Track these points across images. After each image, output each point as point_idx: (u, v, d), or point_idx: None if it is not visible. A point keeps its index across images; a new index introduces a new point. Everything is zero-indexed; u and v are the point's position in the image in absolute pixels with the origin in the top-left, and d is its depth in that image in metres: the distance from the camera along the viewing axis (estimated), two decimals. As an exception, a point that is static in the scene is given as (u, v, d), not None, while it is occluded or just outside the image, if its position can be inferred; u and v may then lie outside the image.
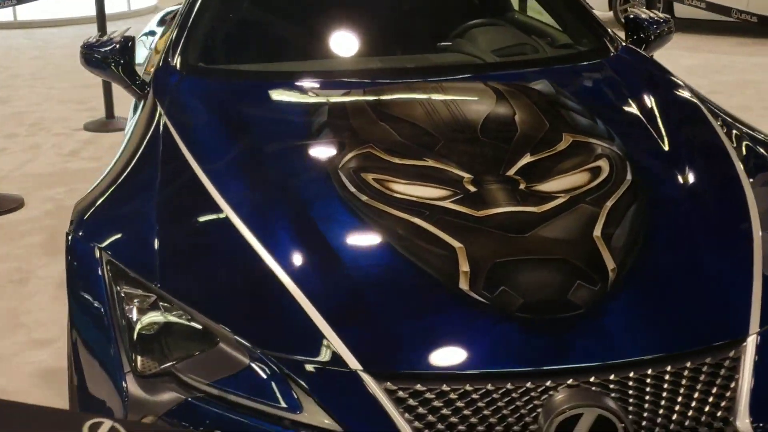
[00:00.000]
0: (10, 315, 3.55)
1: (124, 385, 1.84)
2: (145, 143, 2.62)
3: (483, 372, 1.76)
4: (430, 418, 1.70)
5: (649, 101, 2.82)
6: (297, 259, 2.01)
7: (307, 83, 2.94)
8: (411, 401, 1.71)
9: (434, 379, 1.74)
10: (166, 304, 1.94)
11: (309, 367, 1.79)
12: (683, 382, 1.77)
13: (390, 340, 1.82)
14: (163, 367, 1.85)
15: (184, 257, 2.11)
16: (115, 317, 1.94)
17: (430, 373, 1.76)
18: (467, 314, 1.86)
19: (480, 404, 1.71)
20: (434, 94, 2.79)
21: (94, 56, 3.20)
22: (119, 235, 2.19)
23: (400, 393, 1.72)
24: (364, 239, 2.10)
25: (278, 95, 2.90)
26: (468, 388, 1.72)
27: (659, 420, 1.73)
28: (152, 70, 3.29)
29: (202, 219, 2.23)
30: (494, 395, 1.72)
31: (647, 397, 1.74)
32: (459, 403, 1.71)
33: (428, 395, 1.72)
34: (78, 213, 2.29)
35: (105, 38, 3.28)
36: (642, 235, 2.09)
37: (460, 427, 1.69)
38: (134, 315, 1.94)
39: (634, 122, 2.68)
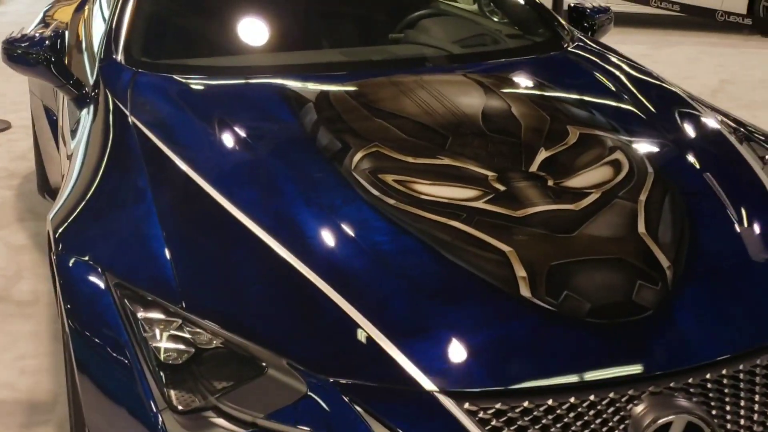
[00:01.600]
0: None
1: (160, 425, 1.63)
2: (113, 147, 2.37)
3: (564, 384, 1.65)
4: None
5: (629, 89, 2.79)
6: (339, 270, 1.83)
7: (278, 78, 2.72)
8: (495, 422, 1.59)
9: (515, 396, 1.62)
10: (195, 329, 1.72)
11: (377, 392, 1.63)
12: (757, 379, 1.73)
13: (462, 355, 1.67)
14: (206, 400, 1.64)
15: (207, 273, 1.86)
16: (137, 348, 1.71)
17: (510, 389, 1.64)
18: (536, 323, 1.74)
19: (566, 419, 1.61)
20: (418, 88, 2.64)
21: (20, 53, 2.87)
22: (123, 253, 1.94)
23: (482, 414, 1.59)
24: (405, 246, 1.92)
25: (255, 91, 2.68)
26: (551, 403, 1.62)
27: (741, 421, 1.69)
28: (85, 65, 2.99)
29: (217, 230, 1.98)
30: (579, 408, 1.63)
31: (727, 399, 1.70)
32: (544, 420, 1.60)
33: (511, 414, 1.60)
34: (62, 231, 2.04)
35: (29, 33, 2.95)
36: (685, 228, 2.03)
37: None
38: (160, 343, 1.71)
39: (623, 112, 2.64)
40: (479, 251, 1.86)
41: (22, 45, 2.90)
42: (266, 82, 2.71)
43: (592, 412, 1.62)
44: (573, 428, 1.60)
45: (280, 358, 1.66)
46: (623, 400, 1.63)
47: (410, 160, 2.19)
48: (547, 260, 1.84)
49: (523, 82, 2.82)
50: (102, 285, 1.83)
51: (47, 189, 4.39)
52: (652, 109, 2.64)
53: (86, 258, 1.92)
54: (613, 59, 3.05)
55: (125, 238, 1.99)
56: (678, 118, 2.63)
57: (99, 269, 1.86)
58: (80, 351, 1.81)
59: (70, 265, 1.92)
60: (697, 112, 2.69)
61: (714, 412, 1.66)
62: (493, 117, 2.46)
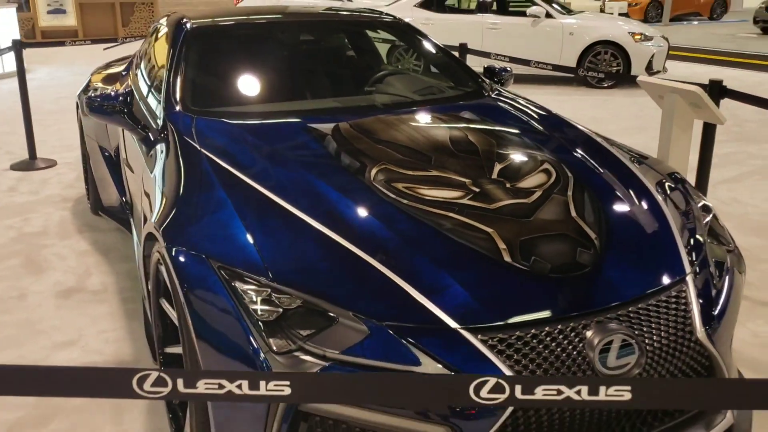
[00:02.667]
0: (26, 323, 3.18)
1: (264, 364, 1.77)
2: (190, 170, 2.46)
3: (543, 319, 1.86)
4: (516, 356, 1.78)
5: (537, 120, 3.03)
6: (380, 248, 2.00)
7: (298, 119, 2.88)
8: (499, 346, 1.78)
9: (510, 328, 1.83)
10: (281, 295, 1.86)
11: (417, 331, 1.80)
12: (660, 310, 1.97)
13: (472, 302, 1.86)
14: (296, 344, 1.78)
15: (284, 255, 1.98)
16: (242, 311, 1.84)
17: (507, 324, 1.83)
18: (517, 279, 1.95)
19: (545, 342, 1.82)
20: (400, 123, 2.83)
21: (101, 106, 2.95)
22: (219, 245, 2.03)
23: (490, 341, 1.78)
24: (421, 230, 2.09)
25: (285, 128, 2.82)
26: (534, 331, 1.83)
27: (654, 337, 1.92)
28: (146, 114, 3.08)
29: (285, 224, 2.10)
30: (552, 335, 1.84)
31: (642, 323, 1.92)
32: (532, 343, 1.81)
33: (510, 341, 1.80)
34: (169, 230, 2.13)
35: (107, 91, 3.04)
36: (600, 211, 2.26)
37: (538, 360, 1.78)
38: (257, 306, 1.85)
39: (539, 136, 2.87)
40: (471, 232, 2.06)
41: (100, 100, 2.98)
42: (291, 121, 2.86)
43: (561, 336, 1.84)
44: (550, 348, 1.82)
45: (346, 311, 1.82)
46: (579, 327, 1.86)
47: (410, 173, 2.38)
48: (517, 237, 2.05)
49: (470, 118, 3.04)
50: (209, 268, 1.94)
51: (101, 207, 4.42)
52: (556, 133, 2.90)
53: (191, 249, 2.02)
54: (521, 101, 3.31)
55: (218, 233, 2.08)
56: (574, 137, 2.89)
57: (204, 256, 1.98)
58: (197, 318, 1.90)
59: (181, 255, 2.01)
60: (583, 132, 2.96)
61: (637, 332, 1.89)
62: (457, 142, 2.68)
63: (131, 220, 3.73)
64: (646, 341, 1.90)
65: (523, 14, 9.63)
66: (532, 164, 2.52)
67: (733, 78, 9.65)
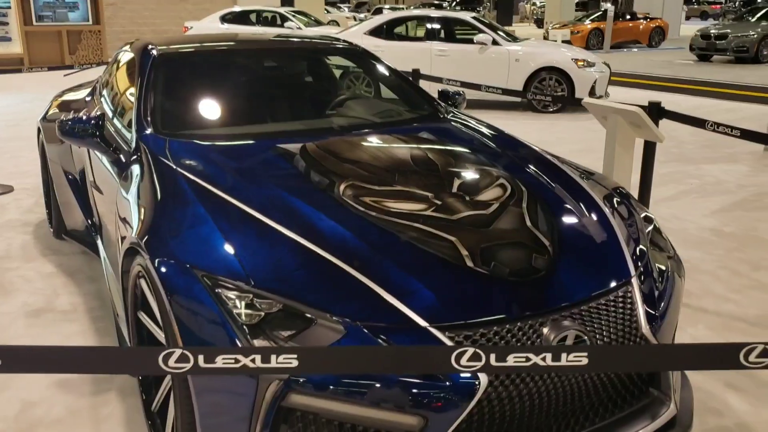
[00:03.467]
0: None
1: None
2: (167, 188, 2.57)
3: (503, 318, 2.04)
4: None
5: (493, 140, 3.25)
6: (353, 256, 2.15)
7: (269, 140, 3.03)
8: (466, 343, 1.95)
9: (474, 327, 2.00)
10: (262, 300, 1.99)
11: (389, 329, 1.96)
12: (608, 309, 2.18)
13: (440, 304, 2.04)
14: (279, 344, 1.91)
15: (263, 264, 2.12)
16: (227, 316, 1.96)
17: (471, 323, 2.01)
18: (479, 282, 2.13)
19: (507, 338, 2.01)
20: (362, 143, 3.02)
21: (73, 129, 3.08)
22: (202, 256, 2.15)
23: (457, 338, 1.97)
24: (391, 239, 2.25)
25: (255, 148, 2.96)
26: (497, 329, 2.01)
27: (604, 332, 2.12)
28: (115, 136, 3.20)
29: (263, 236, 2.24)
30: (512, 332, 2.02)
31: (593, 321, 2.13)
32: (495, 339, 2.00)
33: (475, 337, 1.98)
34: (152, 244, 2.25)
35: (79, 116, 3.15)
36: (552, 221, 2.47)
37: None
38: (240, 311, 1.98)
39: (493, 153, 3.08)
40: (436, 241, 2.25)
41: (71, 123, 3.10)
42: (259, 142, 3.02)
43: (520, 333, 2.03)
44: (511, 343, 1.99)
45: (324, 313, 1.97)
46: (537, 325, 2.04)
47: (375, 188, 2.56)
48: (477, 244, 2.25)
49: (428, 138, 3.25)
50: (193, 277, 2.07)
51: (64, 231, 4.47)
52: (509, 151, 3.12)
53: (175, 261, 2.14)
54: (474, 122, 3.54)
55: (200, 245, 2.21)
56: (526, 155, 3.12)
57: (188, 266, 2.10)
58: (183, 324, 2.01)
59: (165, 266, 2.13)
60: (534, 150, 3.20)
61: (588, 329, 2.09)
62: (418, 160, 2.88)
63: (98, 241, 3.82)
64: (597, 337, 2.11)
65: (471, 41, 9.99)
66: (489, 179, 2.73)
67: (671, 102, 10.16)
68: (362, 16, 32.44)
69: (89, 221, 4.00)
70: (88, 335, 3.35)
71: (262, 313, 1.97)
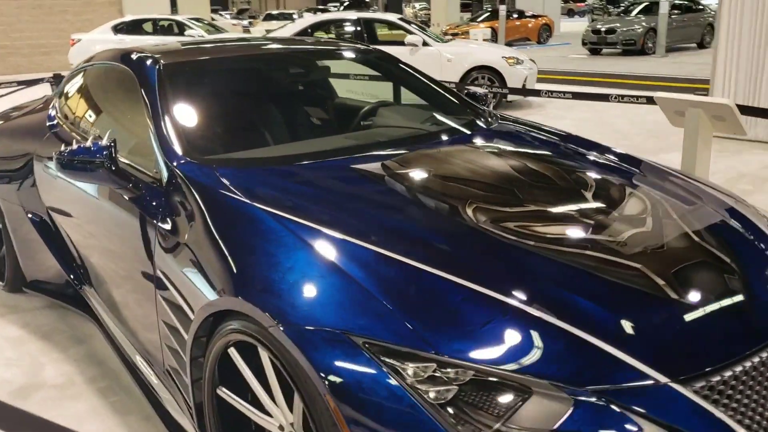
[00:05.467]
0: None
1: None
2: (256, 231, 1.98)
3: (739, 355, 1.65)
4: (731, 402, 1.57)
5: (575, 143, 2.86)
6: (538, 297, 1.69)
7: (331, 158, 2.48)
8: (713, 395, 1.57)
9: (716, 373, 1.60)
10: (447, 369, 1.51)
11: (627, 392, 1.52)
12: None
13: (671, 350, 1.63)
14: (496, 428, 1.45)
15: (433, 317, 1.62)
16: (415, 395, 1.48)
17: (712, 368, 1.60)
18: (696, 317, 1.73)
19: (749, 378, 1.62)
20: (448, 157, 2.55)
21: (82, 162, 2.42)
22: (351, 315, 1.63)
23: (703, 391, 1.56)
24: (569, 272, 1.80)
25: (332, 172, 2.39)
26: (737, 370, 1.62)
27: None
28: (135, 167, 2.55)
29: (415, 282, 1.74)
30: (757, 368, 1.64)
31: None
32: (738, 383, 1.60)
33: (719, 386, 1.59)
34: (267, 304, 1.70)
35: (81, 146, 2.47)
36: (713, 232, 2.13)
37: (753, 399, 1.60)
38: (426, 386, 1.49)
39: (589, 159, 2.68)
40: (622, 270, 1.84)
41: (70, 155, 2.45)
42: (325, 162, 2.44)
43: (763, 368, 1.65)
44: (758, 381, 1.62)
45: (539, 379, 1.51)
46: (763, 356, 1.66)
47: (508, 209, 2.10)
48: (665, 270, 1.85)
49: (508, 146, 2.80)
50: (352, 346, 1.56)
51: (25, 284, 3.71)
52: (597, 153, 2.73)
53: (315, 325, 1.62)
54: (535, 125, 3.12)
55: (342, 301, 1.69)
56: (623, 159, 2.72)
57: (338, 332, 1.59)
58: (352, 408, 1.51)
59: (305, 333, 1.61)
60: (621, 152, 2.80)
61: None
62: (523, 171, 2.43)
63: (87, 293, 3.14)
64: None
65: (401, 43, 9.64)
66: (616, 189, 2.34)
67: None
68: (245, 22, 31.52)
69: (69, 270, 3.29)
70: (105, 416, 2.67)
71: (455, 387, 1.49)
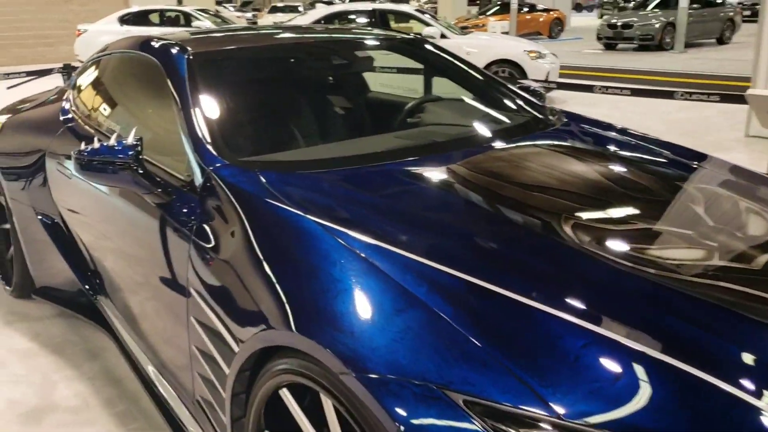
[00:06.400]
0: None
1: None
2: (313, 250, 1.66)
3: None
4: None
5: (662, 150, 2.54)
6: (689, 348, 1.36)
7: (388, 162, 2.16)
8: None
9: None
10: None
11: None
12: None
13: None
14: None
15: (552, 370, 1.30)
16: None
17: None
18: None
19: None
20: (524, 161, 2.24)
21: (101, 164, 2.14)
22: (446, 364, 1.31)
23: None
24: (722, 316, 1.46)
25: (384, 177, 2.08)
26: None
27: None
28: (163, 169, 2.27)
29: (521, 321, 1.42)
30: None
31: None
32: None
33: None
34: (335, 343, 1.40)
35: (103, 145, 2.17)
36: None
37: None
38: None
39: (690, 167, 2.36)
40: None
41: (90, 154, 2.16)
42: (387, 166, 2.13)
43: None
44: None
45: None
46: None
47: (611, 227, 1.80)
48: None
49: (584, 148, 2.49)
50: (447, 403, 1.25)
51: (34, 290, 3.44)
52: (689, 160, 2.42)
53: (405, 377, 1.30)
54: (610, 126, 2.81)
55: (431, 344, 1.36)
56: (719, 167, 2.41)
57: (434, 387, 1.27)
58: None
59: (388, 385, 1.30)
60: (714, 157, 2.51)
61: None
62: (616, 180, 2.12)
63: (102, 304, 2.87)
64: None
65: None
66: (731, 204, 2.04)
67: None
68: (249, 15, 31.14)
69: (81, 277, 3.02)
70: (125, 444, 2.41)
71: None
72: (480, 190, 2.02)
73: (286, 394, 1.59)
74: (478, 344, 1.34)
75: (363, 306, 1.47)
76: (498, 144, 2.41)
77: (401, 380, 1.30)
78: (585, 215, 1.85)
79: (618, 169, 2.24)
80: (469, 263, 1.58)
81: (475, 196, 1.97)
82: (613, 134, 2.68)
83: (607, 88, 4.44)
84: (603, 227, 1.79)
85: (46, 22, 18.06)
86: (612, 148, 2.53)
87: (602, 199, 1.98)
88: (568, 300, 1.46)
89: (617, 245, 1.69)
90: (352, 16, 10.22)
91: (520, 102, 2.91)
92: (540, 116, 2.76)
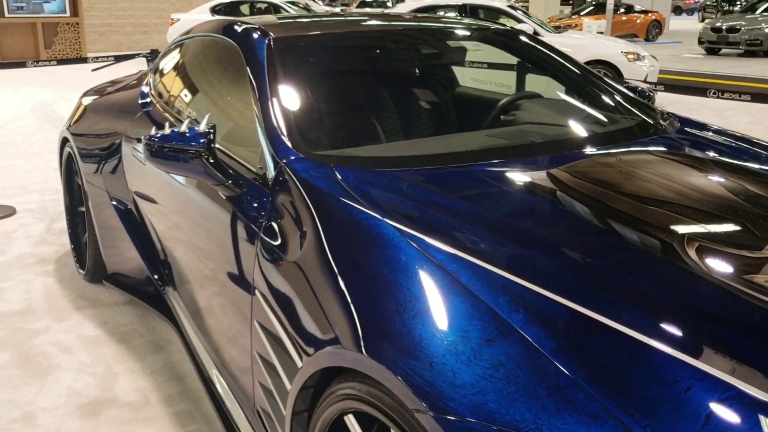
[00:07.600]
0: None
1: None
2: (392, 260, 1.45)
3: None
4: None
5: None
6: None
7: (480, 162, 1.95)
8: None
9: None
10: None
11: None
12: None
13: None
14: None
15: (668, 425, 1.07)
16: None
17: None
18: None
19: None
20: (635, 169, 1.98)
21: (171, 151, 1.99)
22: (542, 406, 1.10)
23: None
24: None
25: (476, 179, 1.86)
26: None
27: None
28: (236, 160, 2.13)
29: (629, 360, 1.17)
30: None
31: None
32: None
33: None
34: (413, 378, 1.19)
35: (175, 131, 2.03)
36: None
37: None
38: None
39: None
40: None
41: (161, 141, 2.03)
42: (484, 168, 1.91)
43: None
44: None
45: None
46: None
47: (747, 254, 1.51)
48: None
49: (707, 158, 2.19)
50: None
51: (105, 276, 3.39)
52: None
53: (494, 424, 1.09)
54: (721, 130, 2.51)
55: (528, 385, 1.13)
56: None
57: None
58: None
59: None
60: None
61: None
62: (749, 199, 1.81)
63: (170, 296, 2.77)
64: None
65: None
66: None
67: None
68: (338, 9, 31.33)
69: (151, 266, 2.93)
70: (182, 448, 2.28)
71: None
72: (587, 201, 1.75)
73: (351, 422, 1.40)
74: (586, 390, 1.11)
75: (445, 331, 1.26)
76: (605, 149, 2.15)
77: (488, 428, 1.08)
78: (712, 238, 1.57)
79: (752, 185, 1.94)
80: (577, 288, 1.34)
81: (581, 207, 1.72)
82: (736, 143, 2.36)
83: (722, 92, 3.99)
84: (735, 253, 1.51)
85: (144, 10, 18.59)
86: (737, 158, 2.23)
87: (731, 218, 1.69)
88: (701, 345, 1.20)
89: (753, 276, 1.41)
90: (441, 11, 9.99)
91: (629, 104, 2.63)
92: (649, 120, 2.48)
